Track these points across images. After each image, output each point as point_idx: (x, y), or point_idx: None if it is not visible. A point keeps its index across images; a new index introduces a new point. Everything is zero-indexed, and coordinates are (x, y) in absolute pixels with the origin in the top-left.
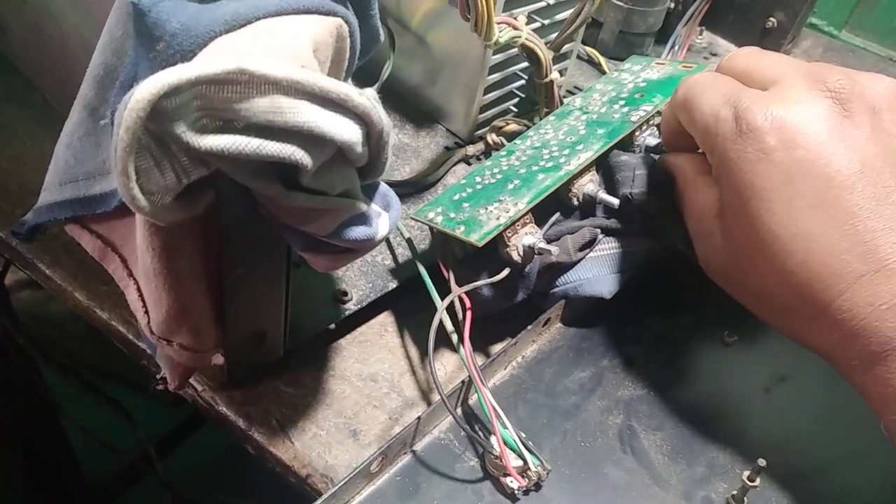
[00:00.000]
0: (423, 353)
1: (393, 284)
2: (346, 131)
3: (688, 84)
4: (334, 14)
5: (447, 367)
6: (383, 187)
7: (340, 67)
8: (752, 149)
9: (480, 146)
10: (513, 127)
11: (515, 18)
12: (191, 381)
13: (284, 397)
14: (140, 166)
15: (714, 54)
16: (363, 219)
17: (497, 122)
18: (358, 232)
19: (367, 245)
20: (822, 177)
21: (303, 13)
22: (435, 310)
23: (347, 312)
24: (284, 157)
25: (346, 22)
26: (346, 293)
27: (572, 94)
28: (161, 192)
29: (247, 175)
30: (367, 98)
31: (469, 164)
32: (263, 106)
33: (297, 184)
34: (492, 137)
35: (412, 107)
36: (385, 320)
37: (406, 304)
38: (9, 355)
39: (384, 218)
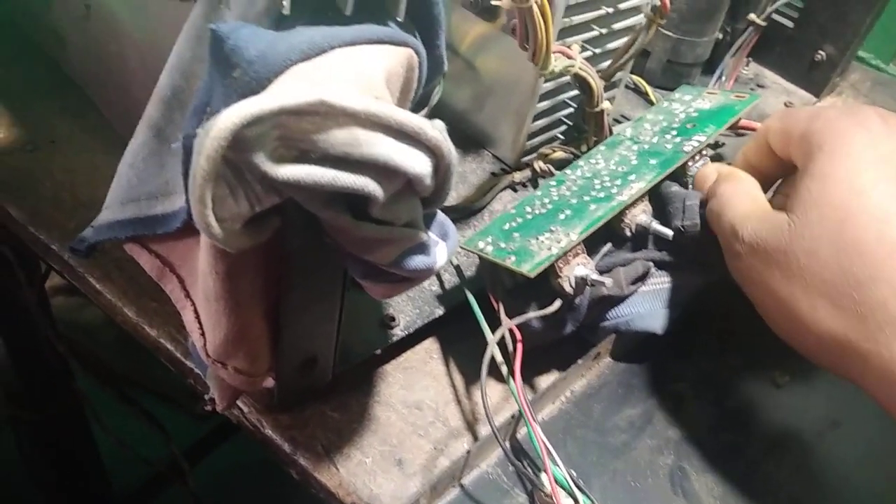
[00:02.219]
0: (469, 382)
1: (440, 311)
2: (419, 164)
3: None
4: (405, 44)
5: (492, 396)
6: (440, 216)
7: (408, 98)
8: (861, 127)
9: (527, 173)
10: (560, 154)
11: (569, 47)
12: (237, 402)
13: (330, 422)
14: (216, 194)
15: (760, 85)
16: (423, 248)
17: (544, 150)
18: (418, 261)
19: (426, 274)
20: None
21: (375, 43)
22: (482, 338)
23: (395, 338)
24: (359, 188)
25: (416, 53)
26: (393, 318)
27: (619, 122)
28: (233, 218)
29: (318, 205)
30: (439, 130)
31: (515, 190)
32: (341, 138)
33: (365, 214)
34: (539, 165)
35: (458, 132)
36: (430, 346)
37: (451, 330)
38: (47, 362)
39: (441, 247)
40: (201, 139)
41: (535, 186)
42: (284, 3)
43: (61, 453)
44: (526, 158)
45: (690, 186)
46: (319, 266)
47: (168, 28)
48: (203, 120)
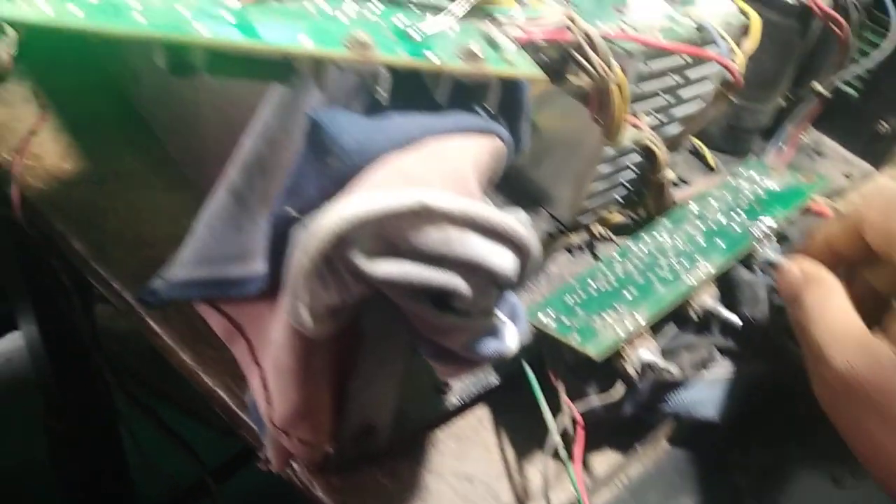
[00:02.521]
0: (521, 456)
1: (495, 380)
2: (508, 264)
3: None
4: (493, 133)
5: (541, 468)
6: (511, 296)
7: (492, 184)
8: None
9: (584, 235)
10: (618, 218)
11: (636, 115)
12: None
13: (381, 490)
14: (311, 287)
15: (819, 153)
16: (494, 332)
17: (602, 212)
18: (490, 347)
19: (496, 359)
20: None
21: (466, 132)
22: (535, 409)
23: (450, 407)
24: (449, 287)
25: (502, 140)
26: (446, 383)
27: (676, 185)
28: (323, 309)
29: (405, 298)
30: (525, 227)
31: (571, 252)
32: (435, 238)
33: (446, 305)
34: (597, 229)
35: (515, 186)
36: (481, 415)
37: (502, 396)
38: (89, 380)
39: (511, 328)
40: (303, 236)
41: (592, 249)
42: (384, 94)
43: (91, 465)
44: (583, 219)
45: (758, 271)
46: (389, 343)
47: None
48: (293, 200)
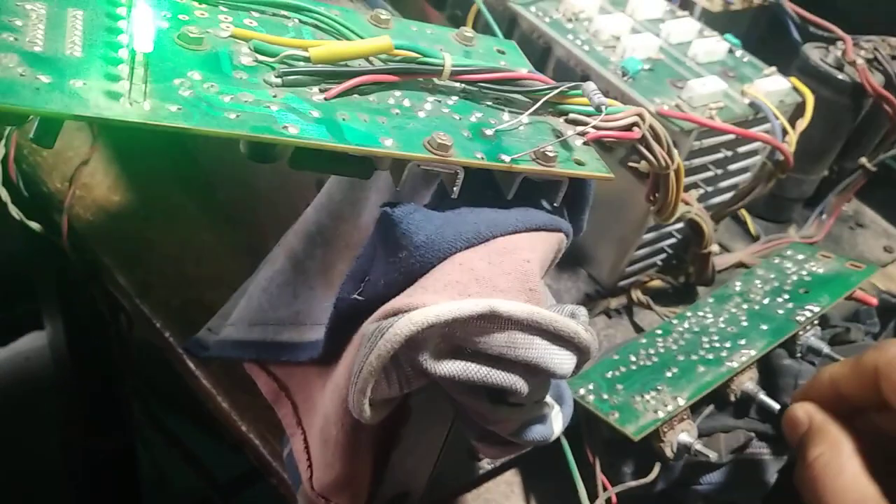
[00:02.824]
0: None
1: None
2: (567, 365)
3: None
4: (557, 229)
5: None
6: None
7: (549, 271)
8: None
9: (623, 300)
10: (657, 283)
11: (686, 190)
12: None
13: None
14: (375, 383)
15: (860, 224)
16: (541, 418)
17: (641, 277)
18: (536, 433)
19: (542, 444)
20: None
21: (533, 230)
22: (565, 477)
23: (481, 471)
24: (508, 386)
25: (565, 234)
26: None
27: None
28: (380, 400)
29: (462, 393)
30: (584, 326)
31: (609, 316)
32: (500, 340)
33: (501, 399)
34: (636, 295)
35: None
36: (511, 479)
37: (533, 461)
38: (114, 398)
39: (557, 413)
40: (375, 338)
41: (630, 315)
42: (455, 189)
43: (105, 476)
44: (621, 282)
45: (799, 355)
46: (433, 416)
47: None
48: (359, 285)
